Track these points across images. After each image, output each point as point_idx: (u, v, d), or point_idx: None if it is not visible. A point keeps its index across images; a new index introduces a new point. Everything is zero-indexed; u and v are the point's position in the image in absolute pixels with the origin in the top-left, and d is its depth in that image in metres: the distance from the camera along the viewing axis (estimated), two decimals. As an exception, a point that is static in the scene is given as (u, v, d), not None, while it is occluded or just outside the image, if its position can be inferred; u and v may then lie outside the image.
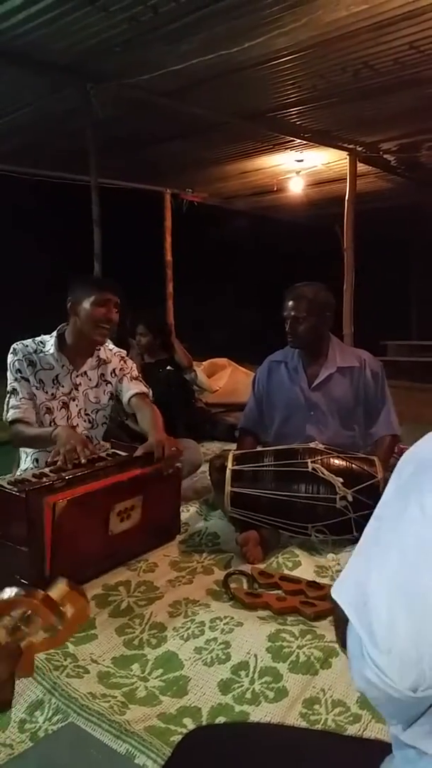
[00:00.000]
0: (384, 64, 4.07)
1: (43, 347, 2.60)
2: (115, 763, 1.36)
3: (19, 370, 2.53)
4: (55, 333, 2.63)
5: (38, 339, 2.63)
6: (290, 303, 2.78)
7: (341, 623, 0.78)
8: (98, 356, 2.69)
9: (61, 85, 4.32)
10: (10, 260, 7.45)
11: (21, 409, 2.48)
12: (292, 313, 2.76)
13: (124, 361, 2.76)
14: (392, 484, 0.80)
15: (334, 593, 0.79)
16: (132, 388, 2.68)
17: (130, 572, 2.25)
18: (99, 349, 2.68)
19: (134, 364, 2.83)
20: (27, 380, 2.53)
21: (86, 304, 2.52)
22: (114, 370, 2.71)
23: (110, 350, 2.75)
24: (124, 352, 2.83)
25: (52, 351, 2.57)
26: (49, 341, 2.61)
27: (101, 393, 2.69)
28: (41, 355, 2.57)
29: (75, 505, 2.01)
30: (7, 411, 2.50)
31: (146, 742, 1.39)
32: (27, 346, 2.58)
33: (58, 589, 0.88)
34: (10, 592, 0.84)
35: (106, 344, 2.72)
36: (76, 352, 2.62)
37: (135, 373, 2.76)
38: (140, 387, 2.70)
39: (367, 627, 0.71)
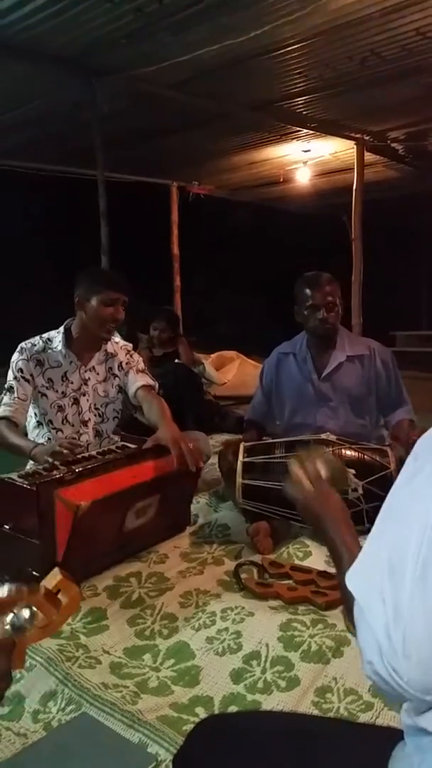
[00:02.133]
0: (391, 52, 4.02)
1: (51, 344, 2.59)
2: (128, 752, 1.37)
3: (21, 370, 2.52)
4: (62, 328, 2.62)
5: (45, 336, 2.62)
6: (327, 288, 2.74)
7: (351, 604, 0.78)
8: (105, 350, 2.69)
9: (67, 78, 4.31)
10: (18, 255, 7.47)
11: (12, 408, 2.47)
12: (329, 299, 2.73)
13: (131, 355, 2.76)
14: (408, 467, 0.79)
15: (348, 580, 0.78)
16: (138, 381, 2.67)
17: (141, 563, 2.26)
18: (106, 343, 2.68)
19: (140, 358, 2.82)
20: (28, 381, 2.52)
21: (94, 302, 2.51)
22: (121, 363, 2.71)
23: (116, 343, 2.75)
24: (130, 346, 2.83)
25: (59, 347, 2.57)
26: (57, 337, 2.60)
27: (110, 387, 2.70)
28: (49, 352, 2.57)
29: (97, 506, 2.00)
30: None
31: (159, 732, 1.40)
32: (35, 345, 2.57)
33: (53, 577, 0.88)
34: (10, 589, 0.84)
35: (113, 337, 2.72)
36: (83, 346, 2.62)
37: (141, 366, 2.76)
38: (146, 379, 2.70)
39: (383, 626, 0.71)
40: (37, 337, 2.61)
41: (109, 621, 1.90)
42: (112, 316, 2.53)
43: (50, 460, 2.23)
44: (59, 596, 0.86)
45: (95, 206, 4.77)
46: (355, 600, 0.76)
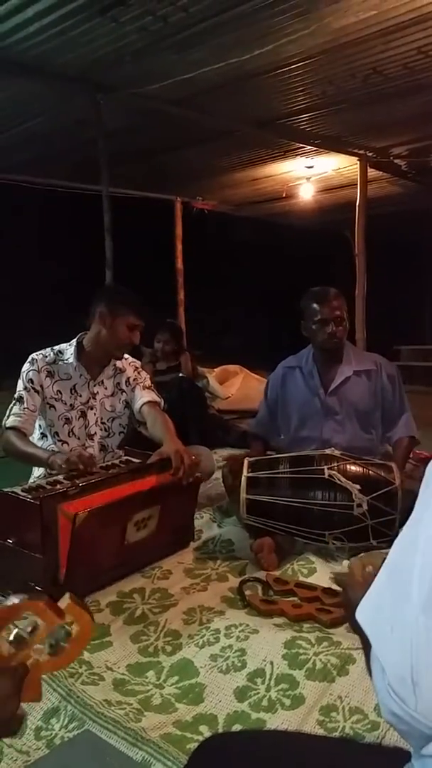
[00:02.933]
0: (393, 70, 4.07)
1: (62, 356, 2.61)
2: (132, 771, 1.35)
3: (31, 380, 2.53)
4: (74, 342, 2.64)
5: (57, 348, 2.64)
6: (335, 303, 2.76)
7: (367, 648, 0.74)
8: (114, 365, 2.70)
9: (72, 95, 4.36)
10: (24, 269, 7.52)
11: (22, 419, 2.48)
12: (337, 313, 2.75)
13: (138, 372, 2.78)
14: (423, 495, 0.76)
15: (359, 615, 0.75)
16: (144, 397, 2.69)
17: (145, 579, 2.25)
18: (117, 360, 2.70)
19: (147, 375, 2.84)
20: (37, 392, 2.53)
21: (119, 323, 2.54)
22: (129, 379, 2.73)
23: (125, 359, 2.76)
24: (138, 363, 2.85)
25: (71, 360, 2.59)
26: (68, 350, 2.62)
27: (117, 402, 2.71)
28: (60, 364, 2.59)
29: (95, 516, 2.00)
30: (8, 417, 2.50)
31: (162, 750, 1.38)
32: (46, 356, 2.59)
33: (63, 602, 0.87)
34: (14, 598, 0.84)
35: None
36: (94, 361, 2.64)
37: (148, 382, 2.78)
38: (152, 396, 2.71)
39: (389, 654, 0.68)
40: (48, 349, 2.63)
41: (113, 637, 1.89)
42: (130, 340, 2.59)
43: (63, 466, 2.24)
44: (71, 625, 0.86)
45: (100, 221, 4.80)
46: (369, 643, 0.73)
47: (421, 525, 0.72)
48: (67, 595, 0.88)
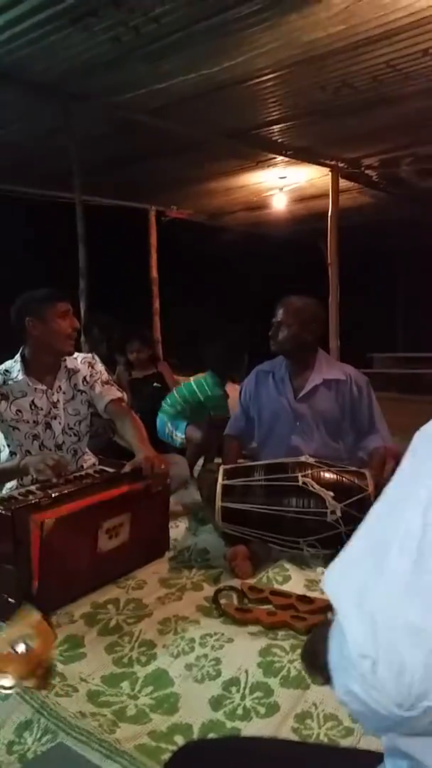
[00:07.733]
0: (363, 83, 4.13)
1: (10, 375, 2.54)
2: (106, 784, 1.34)
3: None
4: (18, 357, 2.58)
5: (2, 368, 2.57)
6: (278, 309, 2.85)
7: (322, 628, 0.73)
8: (66, 367, 2.63)
9: (44, 104, 4.35)
10: (-5, 278, 7.44)
11: None
12: (277, 318, 2.83)
13: (92, 367, 2.70)
14: (406, 462, 0.74)
15: (327, 586, 0.72)
16: (105, 395, 2.63)
17: (119, 590, 2.23)
18: (65, 360, 2.64)
19: (103, 368, 2.76)
20: None
21: (50, 320, 2.48)
22: (85, 377, 2.66)
23: (75, 357, 2.69)
24: (89, 356, 2.77)
25: (20, 377, 2.52)
26: (15, 367, 2.56)
27: (79, 404, 2.66)
28: (11, 384, 2.52)
29: (63, 523, 1.99)
30: None
31: (137, 761, 1.37)
32: None
33: (21, 615, 0.87)
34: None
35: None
36: (45, 370, 2.58)
37: (105, 376, 2.71)
38: (113, 392, 2.65)
39: (353, 623, 0.65)
40: None
41: (86, 649, 1.87)
42: (71, 326, 2.53)
43: (35, 475, 2.22)
44: (32, 636, 0.86)
45: (73, 230, 4.78)
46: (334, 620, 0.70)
47: (409, 494, 0.70)
48: (31, 611, 0.88)
